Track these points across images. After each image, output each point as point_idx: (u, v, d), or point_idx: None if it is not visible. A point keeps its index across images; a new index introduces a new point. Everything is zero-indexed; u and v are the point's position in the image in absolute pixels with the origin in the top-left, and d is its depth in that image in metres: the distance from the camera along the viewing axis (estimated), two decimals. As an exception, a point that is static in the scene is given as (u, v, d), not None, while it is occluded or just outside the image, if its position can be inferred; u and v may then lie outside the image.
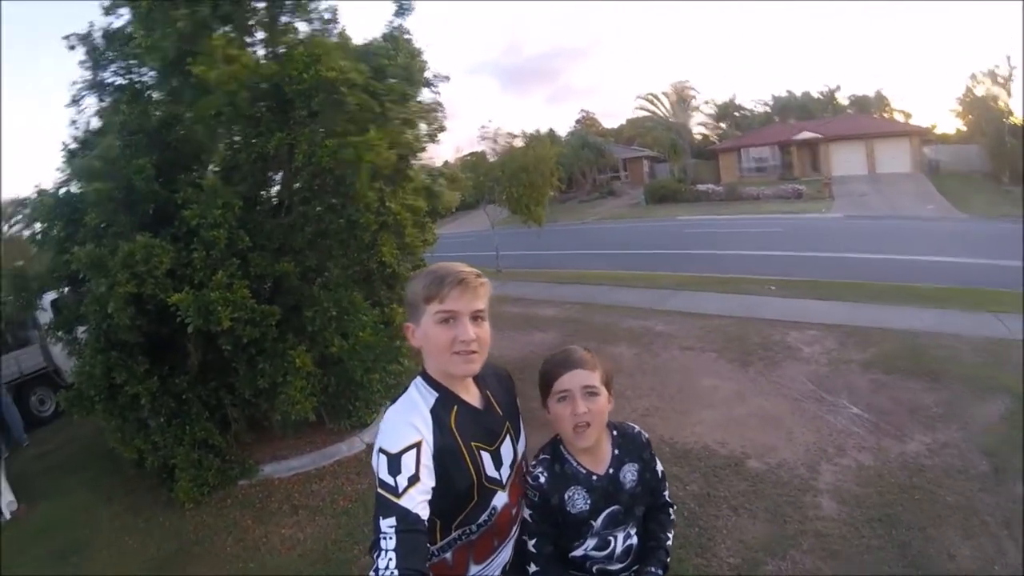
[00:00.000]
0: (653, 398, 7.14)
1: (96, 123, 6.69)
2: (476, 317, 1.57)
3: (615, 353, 8.90)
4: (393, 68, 6.38)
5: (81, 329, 6.31)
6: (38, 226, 6.20)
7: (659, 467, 1.96)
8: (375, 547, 1.31)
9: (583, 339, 9.71)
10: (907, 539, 4.16)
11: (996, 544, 4.01)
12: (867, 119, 39.72)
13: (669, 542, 1.93)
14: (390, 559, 1.27)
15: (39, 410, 9.04)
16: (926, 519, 4.36)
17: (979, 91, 33.44)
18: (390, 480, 1.38)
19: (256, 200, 6.29)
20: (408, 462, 1.40)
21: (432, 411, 1.55)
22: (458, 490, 1.53)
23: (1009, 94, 31.79)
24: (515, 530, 1.78)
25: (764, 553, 4.21)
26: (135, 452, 5.98)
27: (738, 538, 4.42)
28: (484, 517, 1.63)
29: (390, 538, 1.30)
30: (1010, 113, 31.37)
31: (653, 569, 1.86)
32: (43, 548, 5.52)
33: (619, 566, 1.86)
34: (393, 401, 1.63)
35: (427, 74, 7.13)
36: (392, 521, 1.32)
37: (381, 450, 1.44)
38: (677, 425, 6.37)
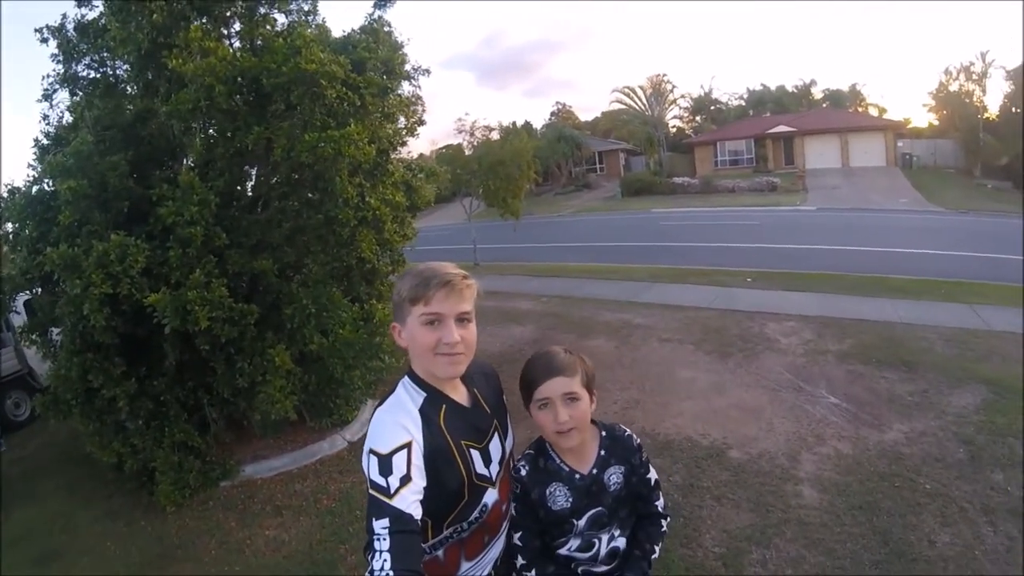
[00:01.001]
0: (633, 391, 7.18)
1: (69, 118, 6.52)
2: (462, 319, 1.56)
3: (594, 346, 8.94)
4: (373, 61, 6.30)
5: (55, 331, 6.14)
6: (9, 226, 6.00)
7: (652, 476, 1.93)
8: (369, 548, 1.30)
9: (562, 333, 9.77)
10: (887, 526, 4.25)
11: (974, 531, 4.11)
12: (841, 113, 40.39)
13: (655, 554, 1.91)
14: (384, 560, 1.27)
15: (14, 414, 8.78)
16: (905, 506, 4.45)
17: (953, 87, 34.20)
18: (381, 481, 1.37)
19: (233, 196, 6.15)
20: (399, 462, 1.40)
21: (421, 411, 1.55)
22: (449, 489, 1.54)
23: (984, 91, 32.56)
24: (505, 526, 1.79)
25: (748, 542, 4.27)
26: (114, 456, 5.84)
27: (722, 528, 4.48)
28: (475, 515, 1.63)
29: (384, 539, 1.29)
30: (985, 109, 32.13)
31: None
32: (21, 555, 5.39)
33: (604, 568, 1.87)
34: (381, 402, 1.62)
35: (407, 67, 7.06)
36: (385, 522, 1.32)
37: (372, 451, 1.43)
38: (658, 417, 6.43)
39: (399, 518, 1.32)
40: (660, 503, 1.95)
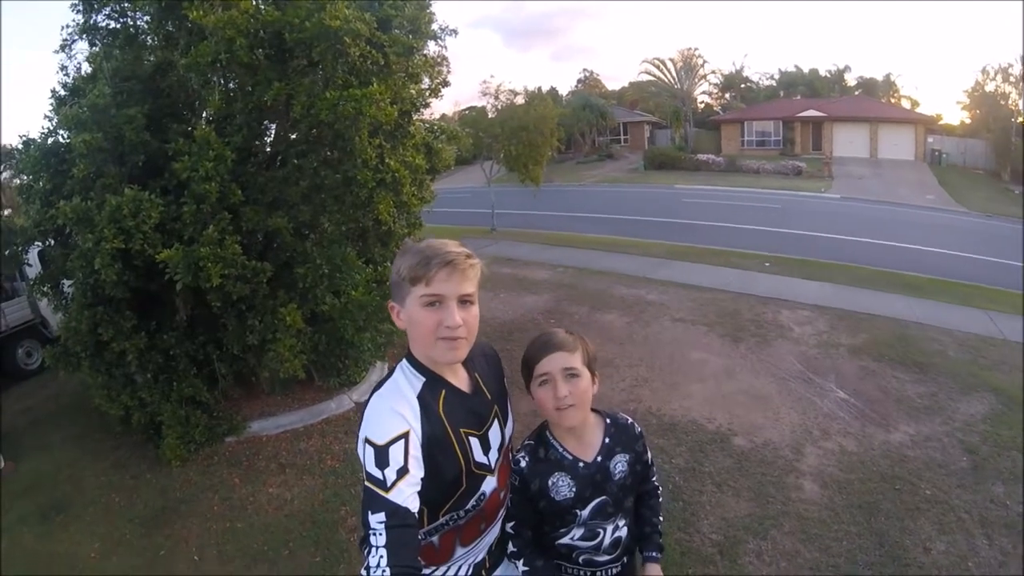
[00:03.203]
0: (642, 369, 7.18)
1: (87, 69, 6.42)
2: (464, 301, 1.49)
3: (606, 320, 8.92)
4: (399, 19, 6.16)
5: (67, 283, 6.15)
6: (24, 177, 5.96)
7: (649, 456, 1.95)
8: (365, 543, 1.28)
9: (575, 304, 9.74)
10: (885, 528, 4.25)
11: (970, 542, 4.09)
12: (873, 103, 39.21)
13: (661, 524, 1.97)
14: (381, 556, 1.24)
15: (26, 363, 8.87)
16: (904, 510, 4.44)
17: (989, 87, 33.05)
18: (378, 474, 1.33)
19: (250, 152, 6.08)
20: (396, 454, 1.35)
21: (419, 397, 1.50)
22: (447, 478, 1.50)
23: (1020, 93, 31.52)
24: (503, 512, 1.77)
25: (745, 532, 4.29)
26: (121, 409, 5.90)
27: (721, 515, 4.50)
28: (472, 503, 1.60)
29: (380, 534, 1.26)
30: (1019, 113, 31.16)
31: (653, 554, 1.89)
32: (29, 505, 5.49)
33: (606, 557, 1.86)
34: (378, 385, 1.57)
35: (434, 27, 6.90)
36: (381, 516, 1.28)
37: (368, 440, 1.38)
38: (665, 397, 6.43)
39: (395, 512, 1.29)
40: (655, 478, 2.01)
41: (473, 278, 1.51)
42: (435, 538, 1.60)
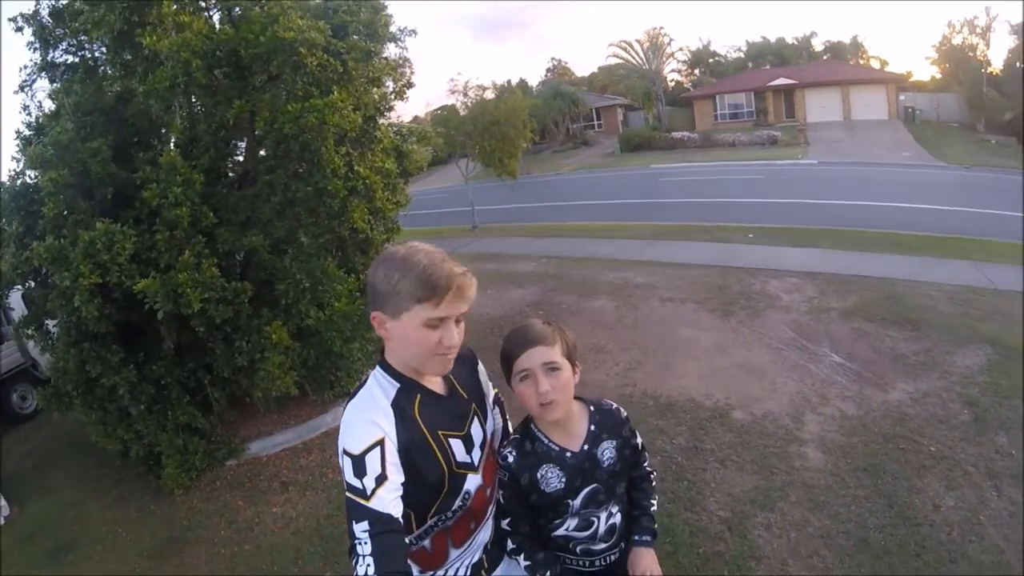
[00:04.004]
0: (636, 352, 7.17)
1: (50, 106, 6.34)
2: (459, 319, 1.51)
3: (595, 307, 8.92)
4: (355, 25, 6.09)
5: (51, 323, 6.09)
6: None
7: (638, 440, 1.93)
8: (352, 553, 1.28)
9: (563, 294, 9.74)
10: (892, 489, 4.24)
11: (979, 495, 4.09)
12: (843, 66, 39.39)
13: (654, 508, 1.95)
14: (368, 565, 1.24)
15: (20, 407, 8.76)
16: (910, 469, 4.44)
17: (956, 40, 33.39)
18: (357, 483, 1.33)
19: (218, 173, 6.02)
20: (373, 462, 1.36)
21: (394, 403, 1.49)
22: (429, 481, 1.51)
23: (988, 45, 31.84)
24: (491, 510, 1.77)
25: (753, 505, 4.28)
26: (119, 443, 5.86)
27: (727, 491, 4.48)
28: (458, 503, 1.60)
29: (365, 543, 1.27)
30: (988, 63, 31.46)
31: (642, 537, 1.88)
32: (38, 548, 5.44)
33: (603, 545, 1.86)
34: (352, 395, 1.56)
35: (392, 29, 6.83)
36: (365, 525, 1.29)
37: (345, 452, 1.39)
38: (661, 378, 6.42)
39: (378, 520, 1.29)
40: (647, 464, 1.99)
41: (471, 297, 1.51)
42: (426, 542, 1.60)
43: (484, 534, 1.74)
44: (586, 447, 1.80)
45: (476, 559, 1.73)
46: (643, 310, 8.56)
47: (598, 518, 1.82)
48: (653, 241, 12.54)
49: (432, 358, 1.48)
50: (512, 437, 1.84)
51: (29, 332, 6.16)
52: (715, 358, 6.73)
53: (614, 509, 1.84)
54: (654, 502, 1.96)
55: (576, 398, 1.82)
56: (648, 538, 1.88)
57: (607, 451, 1.82)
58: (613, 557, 1.89)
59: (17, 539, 5.65)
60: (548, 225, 16.14)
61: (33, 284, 6.16)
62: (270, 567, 4.62)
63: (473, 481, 1.63)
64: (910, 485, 4.26)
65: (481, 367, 1.82)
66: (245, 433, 6.51)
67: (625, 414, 1.91)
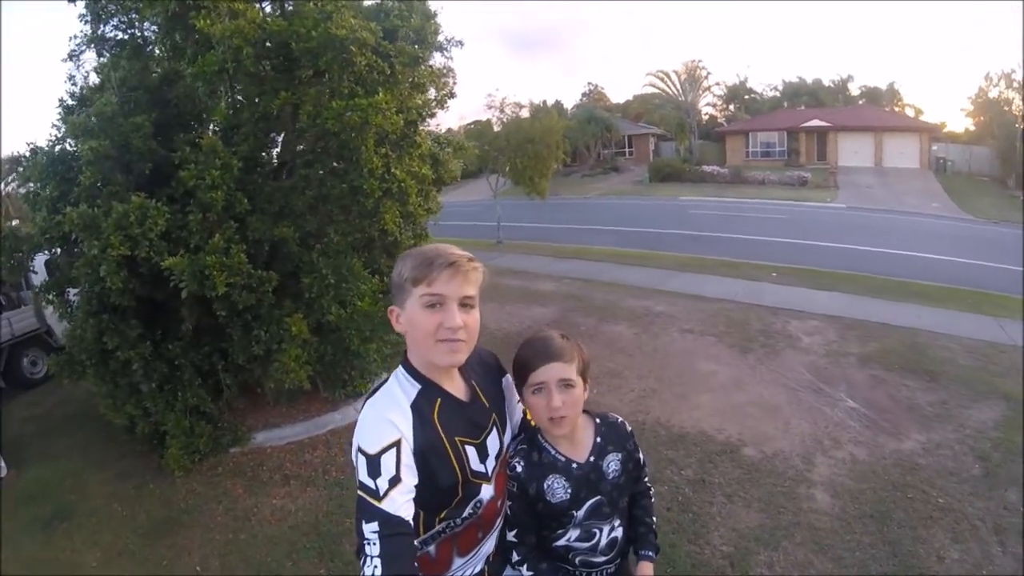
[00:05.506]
0: (651, 380, 7.13)
1: (95, 79, 6.47)
2: (465, 303, 1.47)
3: (614, 332, 8.88)
4: (405, 30, 6.18)
5: (73, 291, 6.15)
6: (32, 185, 5.96)
7: (640, 455, 1.94)
8: (360, 553, 1.28)
9: (583, 316, 9.72)
10: (897, 538, 4.18)
11: (984, 550, 4.03)
12: (877, 111, 39.24)
13: (655, 525, 1.97)
14: (376, 566, 1.24)
15: (31, 372, 8.89)
16: (917, 519, 4.38)
17: (992, 93, 33.18)
18: (370, 483, 1.33)
19: (256, 162, 6.09)
20: (388, 463, 1.35)
21: (413, 405, 1.48)
22: (442, 486, 1.49)
23: (1023, 99, 31.50)
24: (499, 521, 1.75)
25: (756, 543, 4.22)
26: (126, 418, 5.89)
27: (731, 526, 4.43)
28: (469, 511, 1.59)
29: (374, 544, 1.27)
30: (1023, 118, 31.13)
31: (648, 553, 1.89)
32: (32, 513, 5.47)
33: (603, 559, 1.86)
34: (372, 393, 1.55)
35: (440, 38, 6.92)
36: (375, 526, 1.29)
37: (360, 450, 1.38)
38: (674, 408, 6.37)
39: (388, 521, 1.29)
40: (647, 479, 2.00)
41: (475, 281, 1.50)
42: (431, 547, 1.58)
43: (489, 545, 1.73)
44: (592, 459, 1.80)
45: (478, 570, 1.71)
46: (662, 339, 8.52)
47: (600, 530, 1.82)
48: (677, 272, 12.51)
49: (436, 344, 1.45)
50: (519, 447, 1.82)
51: (49, 298, 6.19)
52: (731, 393, 6.67)
53: (616, 523, 1.84)
54: (655, 518, 1.99)
55: (583, 411, 1.83)
56: (652, 554, 1.90)
57: (612, 463, 1.82)
58: (610, 570, 1.89)
59: (11, 501, 5.67)
60: (573, 247, 16.13)
61: (60, 251, 6.22)
62: (263, 558, 4.60)
63: (486, 491, 1.62)
64: (916, 535, 4.20)
65: (508, 379, 1.79)
66: (252, 422, 6.54)
67: (630, 428, 1.92)
